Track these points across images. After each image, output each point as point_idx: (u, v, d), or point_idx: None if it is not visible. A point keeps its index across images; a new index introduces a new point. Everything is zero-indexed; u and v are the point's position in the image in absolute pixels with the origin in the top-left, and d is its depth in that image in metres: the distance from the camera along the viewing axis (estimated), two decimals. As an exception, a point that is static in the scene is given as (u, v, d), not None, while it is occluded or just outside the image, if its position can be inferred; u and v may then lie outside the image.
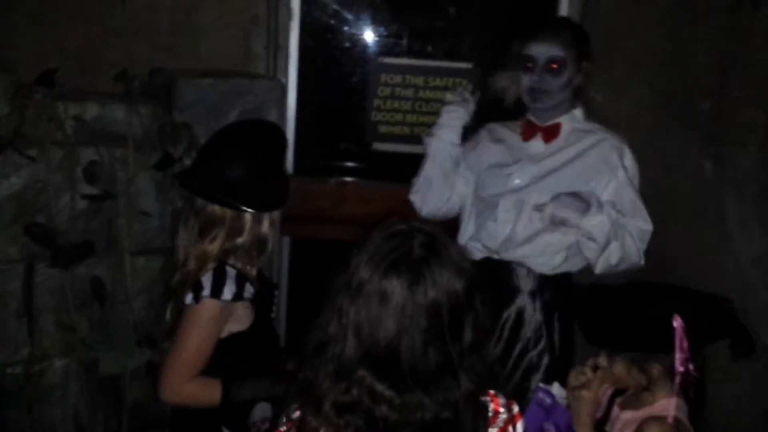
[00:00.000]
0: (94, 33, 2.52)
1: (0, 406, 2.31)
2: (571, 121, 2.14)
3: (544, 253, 2.08)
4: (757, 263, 2.29)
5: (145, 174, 2.35)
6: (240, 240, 1.74)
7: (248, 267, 1.79)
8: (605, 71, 2.89)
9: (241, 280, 1.73)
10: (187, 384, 1.70)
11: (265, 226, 1.77)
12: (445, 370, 1.11)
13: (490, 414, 1.18)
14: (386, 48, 2.98)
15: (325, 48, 2.94)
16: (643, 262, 2.05)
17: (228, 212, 1.73)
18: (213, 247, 1.72)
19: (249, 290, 1.76)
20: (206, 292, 1.68)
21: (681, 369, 1.57)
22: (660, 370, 1.67)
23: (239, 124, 1.88)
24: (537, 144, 2.14)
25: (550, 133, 2.13)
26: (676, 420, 1.62)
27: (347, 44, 2.96)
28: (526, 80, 2.07)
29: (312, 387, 1.15)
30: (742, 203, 2.42)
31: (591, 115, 2.90)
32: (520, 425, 1.21)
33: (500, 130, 2.25)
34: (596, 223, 1.94)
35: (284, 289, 2.97)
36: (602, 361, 1.63)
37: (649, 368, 1.68)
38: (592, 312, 1.72)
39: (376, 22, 2.96)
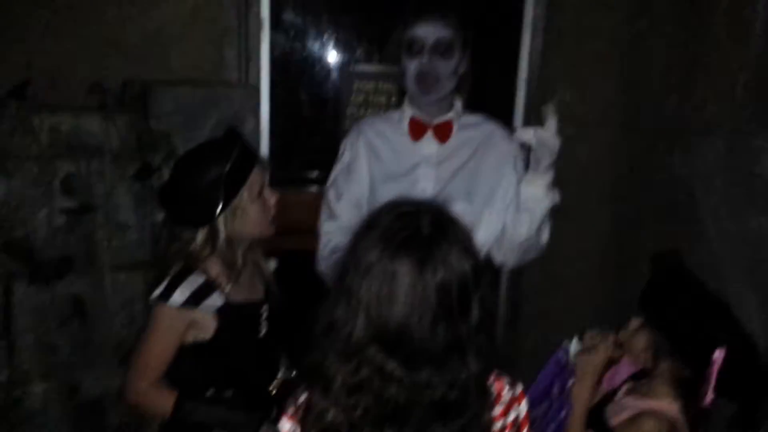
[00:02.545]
0: (64, 47, 2.45)
1: (-21, 431, 2.21)
2: (458, 115, 2.01)
3: None
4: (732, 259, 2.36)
5: (123, 186, 2.29)
6: (194, 248, 1.70)
7: (225, 278, 1.72)
8: (573, 71, 2.99)
9: (205, 288, 1.68)
10: (146, 386, 1.69)
11: (221, 238, 1.71)
12: (453, 349, 1.11)
13: (493, 396, 1.20)
14: (359, 55, 2.99)
15: (297, 57, 2.93)
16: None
17: None
18: (172, 253, 1.72)
19: (214, 301, 1.69)
20: (157, 293, 1.67)
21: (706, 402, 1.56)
22: (671, 370, 1.65)
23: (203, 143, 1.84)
24: (430, 144, 1.99)
25: (442, 132, 1.99)
26: (672, 423, 1.61)
27: (319, 53, 2.96)
28: (413, 66, 1.90)
29: (320, 368, 1.14)
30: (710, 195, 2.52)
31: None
32: (523, 404, 1.25)
33: (381, 130, 2.04)
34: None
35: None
36: (623, 333, 1.66)
37: (660, 362, 1.67)
38: (656, 295, 1.71)
39: (347, 29, 2.96)
